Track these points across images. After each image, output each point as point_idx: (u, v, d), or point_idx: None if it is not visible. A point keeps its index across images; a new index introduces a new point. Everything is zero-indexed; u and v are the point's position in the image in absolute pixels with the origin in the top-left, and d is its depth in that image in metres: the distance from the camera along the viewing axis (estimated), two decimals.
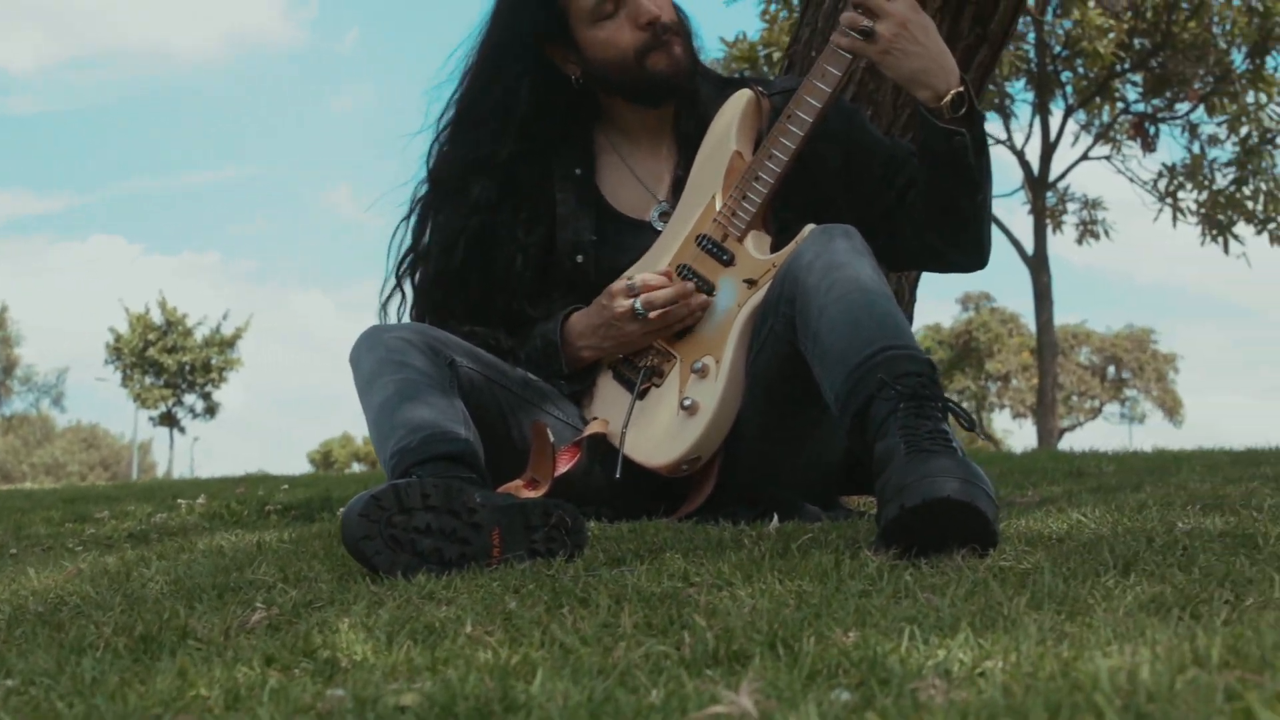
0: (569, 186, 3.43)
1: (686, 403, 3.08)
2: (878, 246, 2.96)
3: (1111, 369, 58.04)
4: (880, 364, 2.57)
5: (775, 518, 2.89)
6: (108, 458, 78.62)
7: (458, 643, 1.71)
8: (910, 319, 4.48)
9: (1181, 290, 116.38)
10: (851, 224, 2.95)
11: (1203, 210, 24.57)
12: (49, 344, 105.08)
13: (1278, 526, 2.52)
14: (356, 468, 63.36)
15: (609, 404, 3.25)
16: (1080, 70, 24.95)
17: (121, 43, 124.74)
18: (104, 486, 11.04)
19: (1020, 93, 26.05)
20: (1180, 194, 25.00)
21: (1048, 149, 26.55)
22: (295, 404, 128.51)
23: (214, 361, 50.59)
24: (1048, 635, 1.56)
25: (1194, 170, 24.67)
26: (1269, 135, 23.67)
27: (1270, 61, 23.10)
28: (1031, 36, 24.46)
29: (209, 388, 51.09)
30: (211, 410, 51.37)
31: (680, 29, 3.36)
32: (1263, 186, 23.93)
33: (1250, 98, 23.49)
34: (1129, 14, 23.44)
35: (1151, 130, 25.45)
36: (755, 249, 3.13)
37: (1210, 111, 24.13)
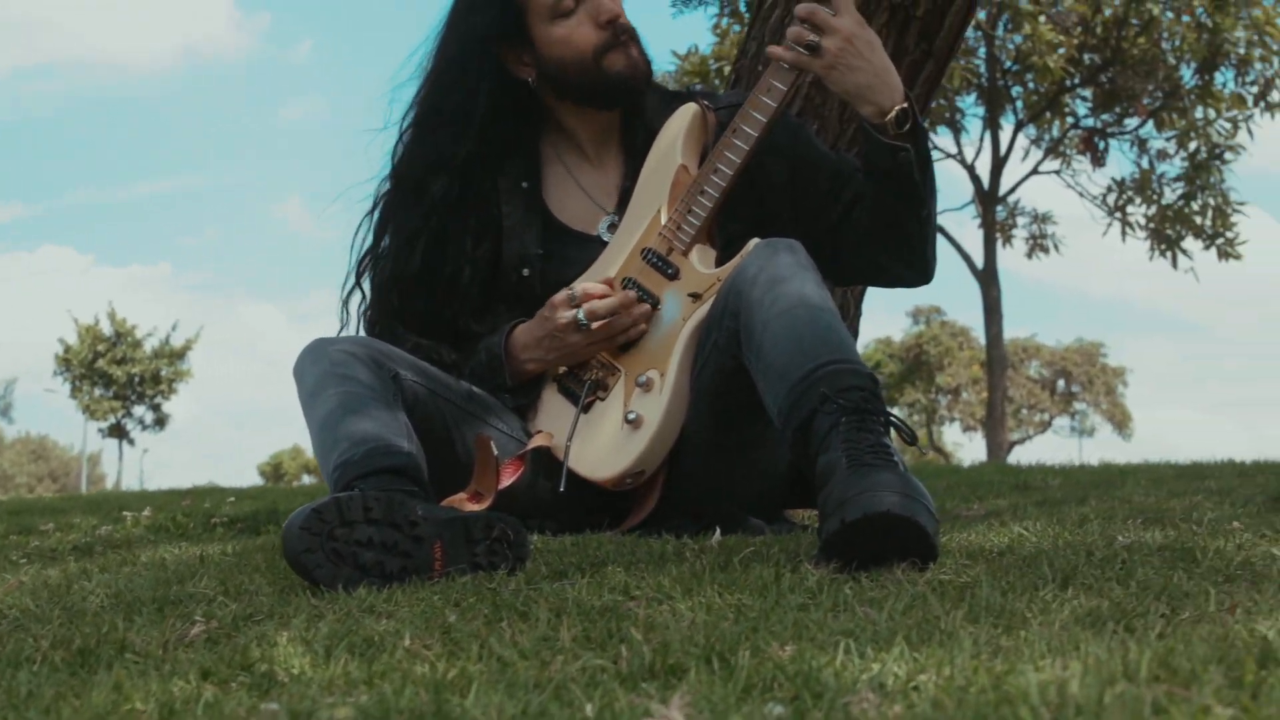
0: (515, 199, 3.42)
1: (631, 416, 3.08)
2: (823, 261, 2.96)
3: (1061, 382, 58.29)
4: (823, 378, 2.57)
5: (718, 531, 2.89)
6: (56, 469, 78.15)
7: (395, 656, 1.71)
8: (855, 334, 4.49)
9: (1131, 304, 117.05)
10: (797, 238, 2.95)
11: (1151, 225, 24.76)
12: None
13: (1216, 541, 2.54)
14: (306, 480, 63.02)
15: (553, 417, 3.25)
16: (1031, 85, 25.10)
17: (72, 53, 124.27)
18: (50, 499, 10.96)
19: (971, 107, 26.19)
20: (1129, 208, 25.19)
21: (998, 163, 26.70)
22: (245, 416, 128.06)
23: (164, 373, 50.38)
24: (983, 649, 1.57)
25: (1143, 185, 24.85)
26: (1217, 150, 23.87)
27: (1219, 77, 23.31)
28: (982, 51, 24.61)
29: (158, 399, 50.90)
30: (161, 422, 51.16)
31: (635, 34, 3.37)
32: (1211, 201, 24.13)
33: (1199, 113, 23.70)
34: (1079, 29, 23.59)
35: (1101, 145, 25.63)
36: (700, 263, 3.13)
37: (1159, 127, 24.33)
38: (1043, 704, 1.25)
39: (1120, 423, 57.66)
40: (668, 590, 2.11)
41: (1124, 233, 25.22)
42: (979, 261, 26.92)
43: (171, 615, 2.18)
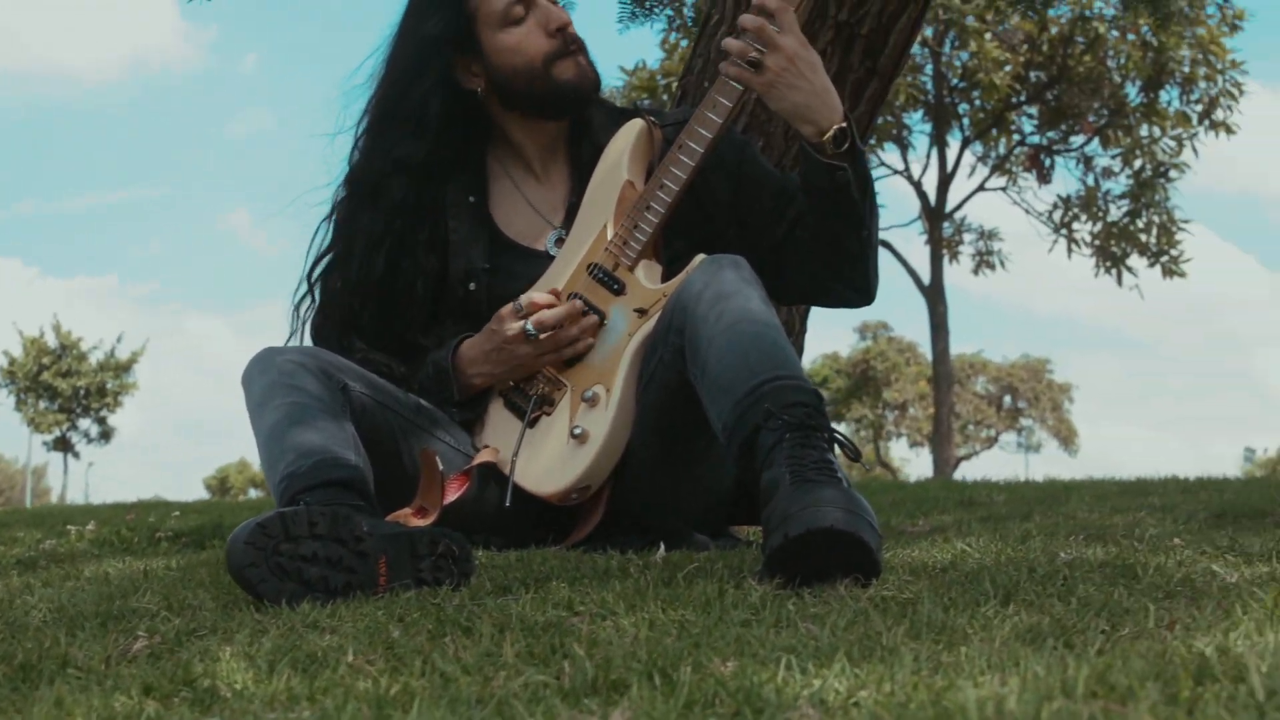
0: (462, 213, 3.42)
1: (576, 431, 3.08)
2: (767, 279, 2.96)
3: (1008, 398, 58.48)
4: (767, 394, 2.58)
5: (662, 546, 2.89)
6: (0, 483, 77.55)
7: (338, 672, 1.71)
8: (800, 350, 4.50)
9: (1076, 321, 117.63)
10: (742, 255, 2.97)
11: (1097, 242, 24.92)
12: None
13: (1158, 557, 2.55)
14: (253, 494, 62.79)
15: (500, 432, 3.25)
16: (977, 102, 25.25)
17: (18, 64, 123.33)
18: None
19: (918, 124, 26.36)
20: (1075, 225, 25.36)
21: (944, 180, 26.84)
22: (192, 429, 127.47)
23: (109, 386, 50.10)
24: (923, 665, 1.57)
25: (1088, 202, 25.02)
26: (1162, 168, 24.06)
27: (1164, 95, 23.49)
28: (929, 68, 24.74)
29: (104, 412, 50.59)
30: (106, 435, 50.85)
31: (584, 45, 3.37)
32: (1155, 219, 24.31)
33: (1144, 131, 23.89)
34: (1025, 47, 23.75)
35: (1047, 162, 25.80)
36: (646, 278, 3.14)
37: (1105, 144, 24.51)
38: (981, 719, 1.26)
39: (1066, 439, 57.90)
40: (611, 606, 2.11)
41: (1069, 250, 25.39)
42: (925, 277, 27.04)
43: (114, 630, 2.17)
